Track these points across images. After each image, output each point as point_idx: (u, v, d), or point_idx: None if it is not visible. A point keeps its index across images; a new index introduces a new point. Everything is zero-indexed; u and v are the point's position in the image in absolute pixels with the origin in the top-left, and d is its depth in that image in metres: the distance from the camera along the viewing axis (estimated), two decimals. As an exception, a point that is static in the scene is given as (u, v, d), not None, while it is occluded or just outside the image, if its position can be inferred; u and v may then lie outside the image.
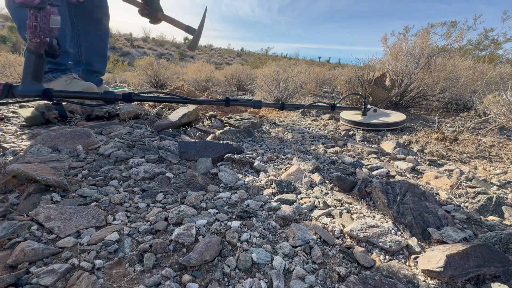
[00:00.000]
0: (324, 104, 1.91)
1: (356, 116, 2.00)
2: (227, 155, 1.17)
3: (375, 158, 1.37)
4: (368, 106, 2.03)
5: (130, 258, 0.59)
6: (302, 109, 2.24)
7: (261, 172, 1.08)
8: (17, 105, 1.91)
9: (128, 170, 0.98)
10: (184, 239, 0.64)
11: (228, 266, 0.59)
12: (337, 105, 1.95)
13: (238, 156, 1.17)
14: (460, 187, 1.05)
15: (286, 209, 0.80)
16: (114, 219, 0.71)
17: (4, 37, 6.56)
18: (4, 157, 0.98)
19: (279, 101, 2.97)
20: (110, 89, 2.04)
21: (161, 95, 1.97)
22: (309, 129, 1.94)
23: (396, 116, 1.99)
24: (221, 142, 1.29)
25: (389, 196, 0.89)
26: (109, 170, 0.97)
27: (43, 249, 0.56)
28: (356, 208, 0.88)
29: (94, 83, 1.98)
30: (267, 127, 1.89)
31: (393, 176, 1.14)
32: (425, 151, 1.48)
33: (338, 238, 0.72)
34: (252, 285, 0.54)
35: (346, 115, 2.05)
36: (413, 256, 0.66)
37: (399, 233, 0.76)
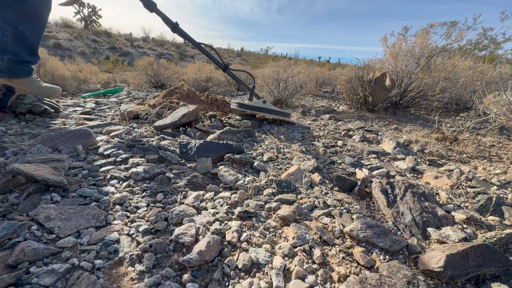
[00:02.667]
0: (218, 60, 1.82)
1: (244, 101, 1.95)
2: (227, 155, 1.17)
3: (375, 158, 1.37)
4: (264, 99, 1.93)
5: (130, 258, 0.59)
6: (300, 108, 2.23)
7: (261, 172, 1.08)
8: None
9: (128, 170, 0.98)
10: (184, 239, 0.64)
11: (228, 266, 0.59)
12: (230, 69, 1.87)
13: (238, 156, 1.17)
14: (460, 187, 1.05)
15: (286, 209, 0.80)
16: (114, 219, 0.71)
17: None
18: (4, 157, 0.98)
19: (278, 100, 2.97)
20: (42, 83, 1.89)
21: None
22: (309, 129, 1.94)
23: (279, 111, 1.91)
24: (221, 142, 1.29)
25: (389, 196, 0.89)
26: (109, 170, 0.97)
27: (43, 249, 0.56)
28: (356, 208, 0.88)
29: (22, 74, 1.81)
30: (267, 127, 1.89)
31: (393, 176, 1.14)
32: (425, 151, 1.48)
33: (338, 238, 0.72)
34: (252, 285, 0.54)
35: (236, 100, 1.99)
36: (413, 256, 0.66)
37: (399, 233, 0.76)
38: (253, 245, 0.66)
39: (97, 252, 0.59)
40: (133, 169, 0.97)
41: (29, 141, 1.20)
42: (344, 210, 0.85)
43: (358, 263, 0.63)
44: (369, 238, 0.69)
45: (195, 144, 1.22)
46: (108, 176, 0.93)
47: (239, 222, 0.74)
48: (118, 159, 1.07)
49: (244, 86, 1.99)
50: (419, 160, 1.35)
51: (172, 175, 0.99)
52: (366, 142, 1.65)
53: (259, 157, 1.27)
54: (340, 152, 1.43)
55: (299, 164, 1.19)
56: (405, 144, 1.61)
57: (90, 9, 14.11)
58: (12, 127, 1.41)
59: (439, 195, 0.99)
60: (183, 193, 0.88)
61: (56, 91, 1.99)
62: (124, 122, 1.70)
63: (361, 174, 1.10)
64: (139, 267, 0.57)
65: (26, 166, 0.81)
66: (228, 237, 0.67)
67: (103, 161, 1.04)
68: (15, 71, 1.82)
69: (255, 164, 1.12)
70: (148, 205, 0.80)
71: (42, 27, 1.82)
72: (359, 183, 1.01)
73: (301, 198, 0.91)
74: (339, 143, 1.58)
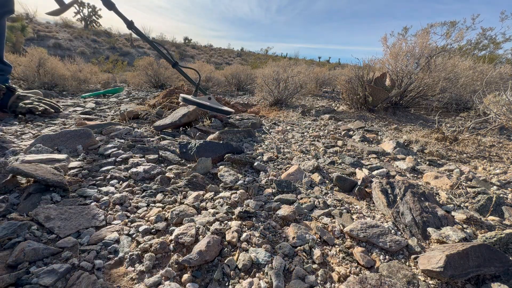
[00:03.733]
0: (169, 57, 1.98)
1: (190, 96, 2.07)
2: (227, 155, 1.17)
3: (375, 158, 1.37)
4: (210, 96, 2.08)
5: (130, 258, 0.59)
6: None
7: (261, 172, 1.08)
8: None
9: (128, 170, 0.98)
10: (184, 239, 0.64)
11: (228, 266, 0.59)
12: (179, 66, 2.03)
13: (238, 156, 1.17)
14: (460, 187, 1.05)
15: (286, 209, 0.80)
16: (114, 219, 0.71)
17: (4, 37, 6.56)
18: (4, 157, 0.98)
19: (278, 100, 2.97)
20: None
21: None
22: (309, 129, 1.94)
23: (220, 108, 2.03)
24: (221, 142, 1.29)
25: (389, 196, 0.89)
26: (109, 170, 0.97)
27: (43, 249, 0.56)
28: (356, 208, 0.88)
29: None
30: (267, 127, 1.89)
31: (393, 176, 1.14)
32: (425, 151, 1.48)
33: (338, 238, 0.72)
34: (252, 285, 0.54)
35: (184, 96, 2.13)
36: (413, 256, 0.66)
37: (399, 233, 0.76)
38: (253, 245, 0.66)
39: (97, 252, 0.59)
40: (133, 169, 0.97)
41: (29, 141, 1.20)
42: (344, 210, 0.85)
43: (358, 263, 0.63)
44: (369, 238, 0.69)
45: (195, 144, 1.22)
46: (108, 176, 0.93)
47: (239, 222, 0.74)
48: (118, 159, 1.07)
49: (191, 81, 2.13)
50: (419, 160, 1.35)
51: (172, 175, 0.99)
52: (366, 142, 1.65)
53: (259, 157, 1.26)
54: (340, 152, 1.43)
55: (299, 164, 1.19)
56: (405, 144, 1.61)
57: (90, 9, 14.12)
58: (12, 127, 1.41)
59: (439, 195, 0.99)
60: (183, 193, 0.88)
61: None
62: (124, 122, 1.70)
63: (361, 174, 1.10)
64: (139, 267, 0.57)
65: (26, 166, 0.81)
66: (228, 237, 0.67)
67: (103, 161, 1.04)
68: None
69: (255, 164, 1.12)
70: (148, 205, 0.80)
71: (1, 35, 1.77)
72: (359, 183, 1.01)
73: (301, 198, 0.91)
74: (339, 143, 1.58)
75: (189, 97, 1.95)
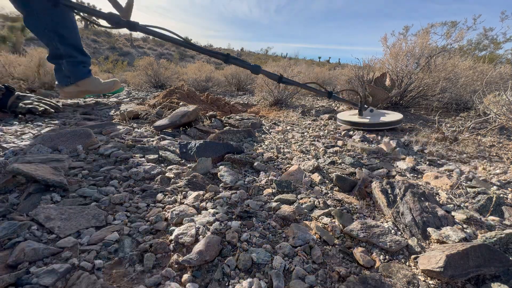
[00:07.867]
0: (321, 89, 1.82)
1: (353, 116, 1.98)
2: (227, 155, 1.17)
3: (375, 158, 1.37)
4: (371, 108, 2.00)
5: (130, 258, 0.59)
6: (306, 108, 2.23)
7: (261, 172, 1.08)
8: None
9: (128, 170, 0.98)
10: (184, 239, 0.64)
11: (228, 266, 0.59)
12: (334, 94, 1.87)
13: (238, 156, 1.17)
14: (460, 187, 1.05)
15: (286, 209, 0.80)
16: (114, 219, 0.71)
17: (4, 37, 6.56)
18: (4, 157, 0.98)
19: (278, 100, 2.98)
20: (102, 81, 2.09)
21: (166, 32, 1.68)
22: (309, 129, 1.94)
23: (393, 116, 1.94)
24: (221, 142, 1.29)
25: (389, 196, 0.89)
26: (109, 170, 0.97)
27: (43, 249, 0.56)
28: (356, 208, 0.88)
29: (85, 75, 2.00)
30: (267, 127, 1.89)
31: (393, 176, 1.14)
32: (425, 151, 1.48)
33: (338, 238, 0.72)
34: (252, 285, 0.54)
35: (343, 116, 2.02)
36: (413, 256, 0.66)
37: (399, 233, 0.76)
38: (253, 245, 0.66)
39: (97, 252, 0.59)
40: (133, 169, 0.97)
41: (29, 141, 1.20)
42: (344, 210, 0.85)
43: (358, 263, 0.63)
44: (369, 238, 0.69)
45: (195, 144, 1.22)
46: (108, 176, 0.93)
47: (239, 222, 0.74)
48: (118, 159, 1.07)
49: (354, 104, 2.05)
50: (419, 160, 1.35)
51: (172, 175, 0.98)
52: (366, 142, 1.65)
53: (259, 157, 1.26)
54: (340, 152, 1.43)
55: (299, 164, 1.19)
56: (405, 144, 1.61)
57: (90, 9, 14.11)
58: (12, 127, 1.41)
59: (439, 195, 0.99)
60: (183, 193, 0.88)
61: (115, 83, 2.26)
62: (124, 122, 1.70)
63: (361, 174, 1.10)
64: (139, 267, 0.57)
65: (26, 166, 0.81)
66: (228, 237, 0.67)
67: (103, 161, 1.04)
68: (78, 73, 1.96)
69: (255, 164, 1.12)
70: (148, 205, 0.80)
71: (75, 27, 1.89)
72: (359, 183, 1.01)
73: (301, 198, 0.91)
74: (339, 143, 1.58)
75: (356, 119, 1.84)
